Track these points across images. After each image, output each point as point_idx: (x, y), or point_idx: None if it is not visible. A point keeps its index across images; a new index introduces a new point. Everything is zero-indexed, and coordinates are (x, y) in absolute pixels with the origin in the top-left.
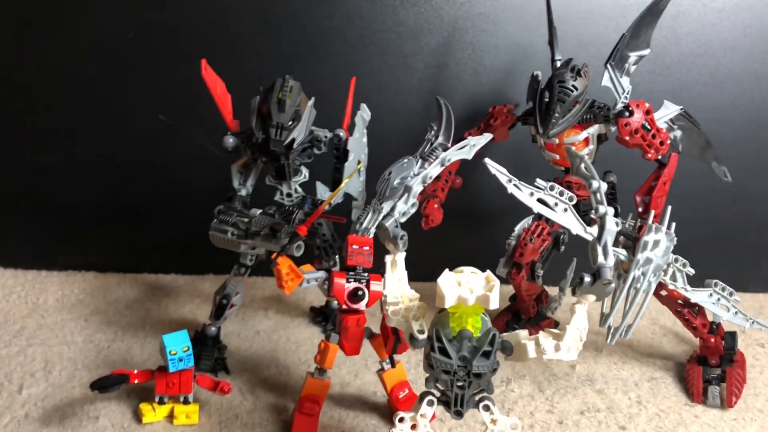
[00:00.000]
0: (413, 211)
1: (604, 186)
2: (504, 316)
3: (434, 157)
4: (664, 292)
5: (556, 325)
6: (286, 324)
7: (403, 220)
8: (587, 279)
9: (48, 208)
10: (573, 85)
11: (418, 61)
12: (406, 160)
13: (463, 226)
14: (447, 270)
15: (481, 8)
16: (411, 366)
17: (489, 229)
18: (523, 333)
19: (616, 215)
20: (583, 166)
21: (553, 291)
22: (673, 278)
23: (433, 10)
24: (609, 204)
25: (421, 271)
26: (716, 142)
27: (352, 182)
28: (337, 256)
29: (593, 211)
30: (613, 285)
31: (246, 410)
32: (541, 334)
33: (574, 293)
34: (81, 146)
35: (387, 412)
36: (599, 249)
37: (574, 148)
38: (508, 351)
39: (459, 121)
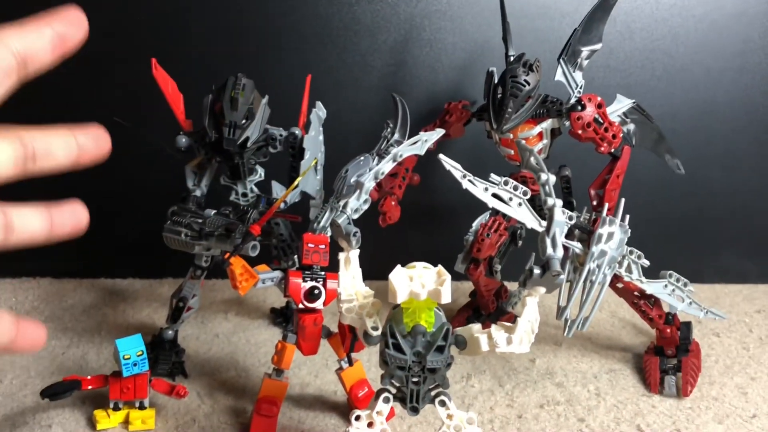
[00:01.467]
0: (366, 207)
1: (552, 179)
2: (464, 312)
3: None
4: (620, 284)
5: (515, 320)
6: (245, 326)
7: (355, 216)
8: (536, 271)
9: None
10: (525, 80)
11: (375, 59)
12: (362, 158)
13: (422, 222)
14: (399, 266)
15: (437, 5)
16: (372, 364)
17: (447, 226)
18: (476, 327)
19: (571, 209)
20: (532, 159)
21: (512, 286)
22: (629, 270)
23: (390, 8)
24: (564, 197)
25: (380, 269)
26: (670, 135)
27: (309, 181)
28: (295, 256)
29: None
30: (562, 276)
31: (204, 414)
32: (493, 327)
33: (524, 286)
34: None
35: (347, 411)
36: (548, 240)
37: (524, 142)
38: (461, 345)
39: (417, 118)
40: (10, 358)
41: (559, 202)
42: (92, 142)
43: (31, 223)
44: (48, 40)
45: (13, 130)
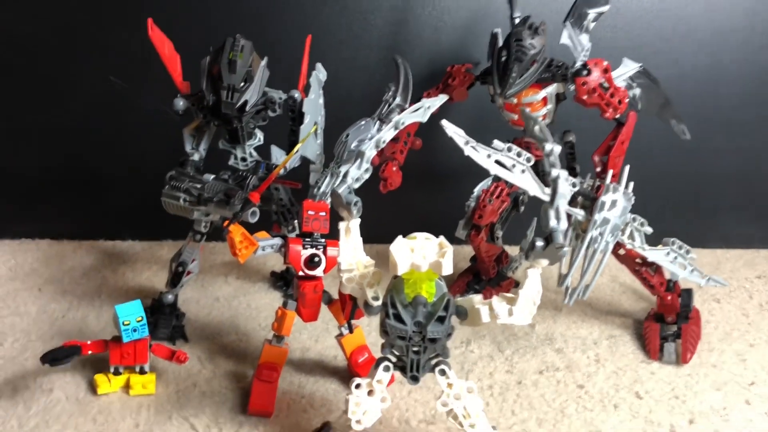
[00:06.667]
0: (367, 176)
1: (557, 148)
2: (465, 277)
3: (391, 119)
4: (622, 251)
5: (516, 285)
6: (246, 290)
7: (356, 186)
8: (539, 243)
9: None
10: (530, 44)
11: (377, 18)
12: (363, 122)
13: (424, 186)
14: (400, 236)
15: None
16: (372, 329)
17: (449, 190)
18: (477, 298)
19: (574, 175)
20: (537, 128)
21: (513, 251)
22: (631, 237)
23: None
24: (568, 163)
25: (381, 233)
26: (677, 97)
27: (309, 145)
28: (296, 221)
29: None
30: (566, 249)
31: (204, 378)
32: (495, 299)
33: (527, 258)
34: (31, 112)
35: (347, 376)
36: (551, 213)
37: (529, 109)
38: (462, 316)
39: (419, 80)
40: (10, 321)
41: (564, 173)
42: None
43: None
44: None
45: None
